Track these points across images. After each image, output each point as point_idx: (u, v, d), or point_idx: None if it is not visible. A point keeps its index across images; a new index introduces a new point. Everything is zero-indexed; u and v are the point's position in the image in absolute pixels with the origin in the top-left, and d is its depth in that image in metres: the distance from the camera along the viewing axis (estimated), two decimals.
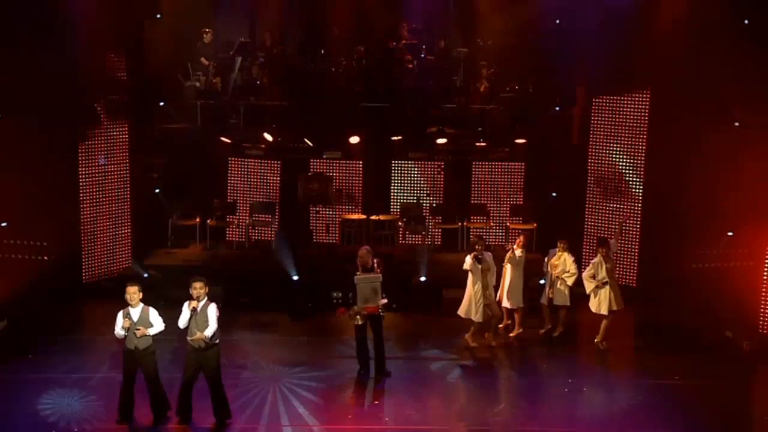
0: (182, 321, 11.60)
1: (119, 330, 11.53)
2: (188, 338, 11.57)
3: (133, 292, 11.59)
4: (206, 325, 11.50)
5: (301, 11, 19.90)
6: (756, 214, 15.04)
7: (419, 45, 19.58)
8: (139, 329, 11.46)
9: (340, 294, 16.47)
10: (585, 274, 14.82)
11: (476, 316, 14.44)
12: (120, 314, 11.56)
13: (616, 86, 17.31)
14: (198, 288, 11.56)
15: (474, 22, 19.49)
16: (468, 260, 14.37)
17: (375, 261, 13.50)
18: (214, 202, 18.89)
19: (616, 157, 17.54)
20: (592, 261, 14.90)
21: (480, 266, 14.37)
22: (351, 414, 12.56)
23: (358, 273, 13.32)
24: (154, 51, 17.72)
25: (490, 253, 14.78)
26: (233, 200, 19.13)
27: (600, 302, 14.65)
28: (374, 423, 12.19)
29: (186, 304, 11.59)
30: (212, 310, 11.60)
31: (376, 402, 12.93)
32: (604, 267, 14.58)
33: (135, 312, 11.59)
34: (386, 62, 19.31)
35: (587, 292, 14.80)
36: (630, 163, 17.40)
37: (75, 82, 16.23)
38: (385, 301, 13.33)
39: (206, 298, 11.64)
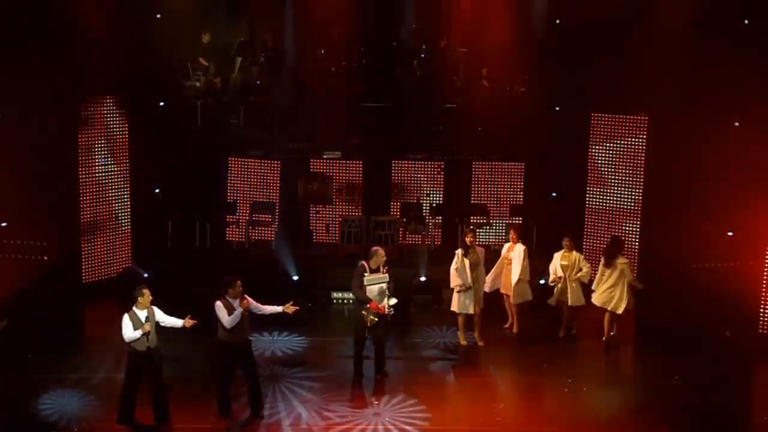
0: (232, 321, 11.76)
1: (134, 333, 11.47)
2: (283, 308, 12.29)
3: (149, 294, 11.68)
4: (259, 311, 12.14)
5: (301, 11, 19.90)
6: (756, 213, 15.04)
7: (419, 45, 19.59)
8: (186, 320, 11.81)
9: (341, 294, 16.56)
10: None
11: (469, 309, 14.57)
12: (127, 317, 11.51)
13: (616, 86, 17.33)
14: (239, 286, 11.87)
15: (474, 22, 19.51)
16: (456, 259, 14.47)
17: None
18: (215, 203, 18.88)
19: (616, 157, 17.58)
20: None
21: (467, 260, 14.42)
22: (351, 414, 12.56)
23: (366, 273, 13.32)
24: (154, 51, 17.72)
25: (482, 248, 14.77)
26: (233, 200, 19.13)
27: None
28: (374, 423, 12.19)
29: (236, 305, 11.82)
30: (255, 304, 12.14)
31: (376, 402, 12.93)
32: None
33: (142, 314, 11.60)
34: (386, 62, 19.31)
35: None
36: (630, 163, 17.42)
37: (75, 82, 16.26)
38: (395, 301, 13.35)
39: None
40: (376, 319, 13.24)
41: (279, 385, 13.17)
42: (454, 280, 14.56)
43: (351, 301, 16.28)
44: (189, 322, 11.83)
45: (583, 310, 15.23)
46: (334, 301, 16.82)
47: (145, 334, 11.47)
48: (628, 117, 17.40)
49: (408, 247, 18.51)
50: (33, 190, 15.60)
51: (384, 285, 13.25)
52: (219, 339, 11.98)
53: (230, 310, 11.78)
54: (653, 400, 12.97)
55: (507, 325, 15.56)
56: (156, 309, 11.73)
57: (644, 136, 17.22)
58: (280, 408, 12.46)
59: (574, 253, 15.11)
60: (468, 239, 14.62)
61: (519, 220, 18.68)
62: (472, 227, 16.60)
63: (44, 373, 13.44)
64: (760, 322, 15.11)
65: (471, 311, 14.57)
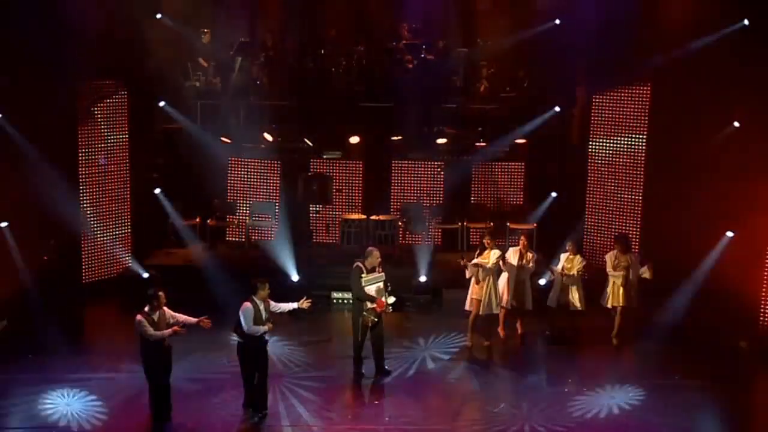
0: (255, 330, 11.90)
1: (157, 332, 11.57)
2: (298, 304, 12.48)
3: (163, 296, 11.79)
4: (278, 310, 12.41)
5: (301, 11, 19.89)
6: (756, 213, 15.04)
7: (419, 45, 19.58)
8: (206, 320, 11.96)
9: (341, 294, 16.58)
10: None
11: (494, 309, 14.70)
12: (144, 321, 11.50)
13: (616, 83, 17.34)
14: (267, 288, 12.09)
15: (474, 22, 19.51)
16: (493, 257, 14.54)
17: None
18: (214, 202, 18.87)
19: (616, 158, 17.59)
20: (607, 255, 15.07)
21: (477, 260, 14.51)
22: (351, 414, 12.57)
23: (363, 274, 13.34)
24: (154, 51, 17.72)
25: (497, 251, 14.72)
26: (233, 200, 19.12)
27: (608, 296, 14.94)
28: (374, 423, 12.20)
29: (261, 305, 12.01)
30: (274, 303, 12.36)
31: (376, 402, 12.94)
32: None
33: (157, 315, 11.68)
34: (386, 62, 19.31)
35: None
36: (630, 162, 17.42)
37: (76, 82, 16.25)
38: (393, 299, 13.47)
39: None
40: (376, 320, 13.32)
41: (279, 385, 13.16)
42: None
43: (351, 302, 16.29)
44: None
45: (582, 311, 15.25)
46: (334, 301, 16.81)
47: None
48: (628, 117, 17.41)
49: (408, 247, 18.49)
50: (33, 190, 15.60)
51: (381, 284, 13.33)
52: (240, 337, 12.03)
53: (257, 312, 11.90)
54: (653, 400, 12.97)
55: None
56: (165, 309, 11.76)
57: (644, 134, 17.23)
58: (280, 408, 12.46)
59: (578, 256, 15.13)
60: (486, 241, 14.68)
61: (519, 219, 18.68)
62: (489, 229, 16.45)
63: (44, 373, 13.44)
64: (761, 322, 15.11)
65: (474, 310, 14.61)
